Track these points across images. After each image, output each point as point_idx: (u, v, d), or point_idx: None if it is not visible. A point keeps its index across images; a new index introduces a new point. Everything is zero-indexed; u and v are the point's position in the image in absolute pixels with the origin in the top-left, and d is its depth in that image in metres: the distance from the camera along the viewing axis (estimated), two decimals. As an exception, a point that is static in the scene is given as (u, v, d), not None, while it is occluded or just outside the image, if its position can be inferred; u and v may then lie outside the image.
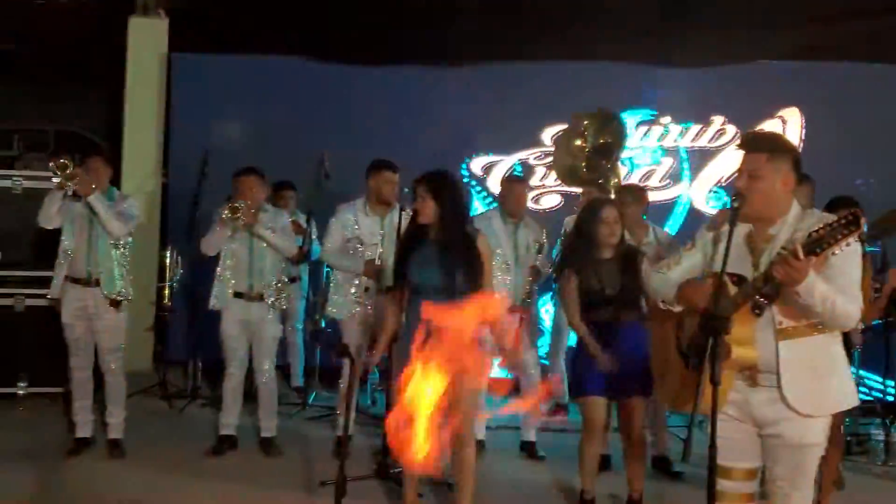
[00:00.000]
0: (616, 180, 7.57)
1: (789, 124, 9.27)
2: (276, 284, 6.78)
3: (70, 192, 6.28)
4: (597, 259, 5.54)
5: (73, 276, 6.50)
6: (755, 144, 3.84)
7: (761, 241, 3.75)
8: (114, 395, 6.68)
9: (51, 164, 6.27)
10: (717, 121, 9.44)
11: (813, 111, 9.25)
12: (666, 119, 9.48)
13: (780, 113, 9.30)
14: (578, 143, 7.78)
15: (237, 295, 6.75)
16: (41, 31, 13.02)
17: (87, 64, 14.10)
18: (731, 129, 9.38)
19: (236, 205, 6.47)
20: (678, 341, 3.95)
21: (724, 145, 9.43)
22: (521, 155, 9.59)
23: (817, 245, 3.35)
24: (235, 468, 6.54)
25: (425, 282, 5.10)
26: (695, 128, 9.49)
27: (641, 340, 5.31)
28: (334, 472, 5.02)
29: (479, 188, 9.55)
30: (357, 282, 6.76)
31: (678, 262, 4.05)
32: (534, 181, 9.47)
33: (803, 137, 9.21)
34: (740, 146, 3.90)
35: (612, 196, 7.26)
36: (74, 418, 6.71)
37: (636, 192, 6.78)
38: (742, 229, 3.79)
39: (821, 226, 3.38)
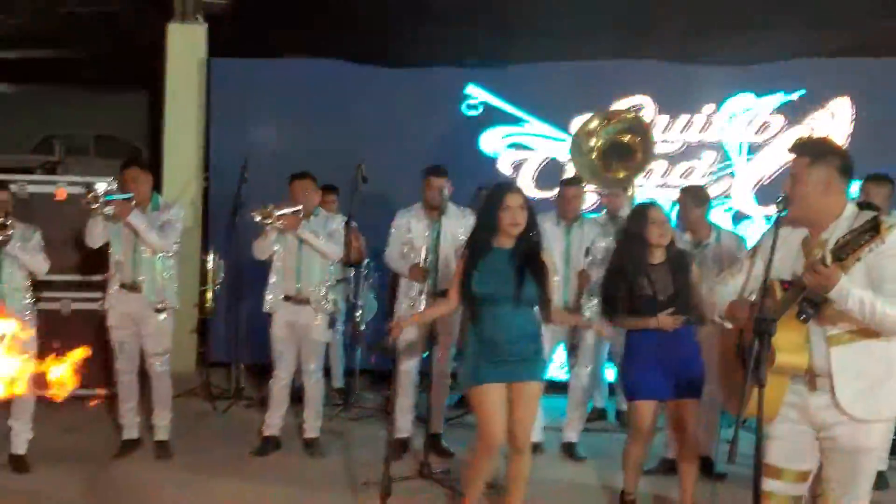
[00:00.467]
0: (638, 177, 7.48)
1: (838, 116, 8.98)
2: (323, 289, 6.83)
3: (109, 215, 6.38)
4: (647, 263, 5.45)
5: (122, 283, 6.61)
6: (800, 149, 3.85)
7: (815, 245, 3.75)
8: (160, 398, 6.78)
9: (86, 199, 6.34)
10: (765, 112, 9.15)
11: (861, 102, 8.94)
12: (709, 108, 9.23)
13: (829, 105, 9.00)
14: (591, 142, 7.71)
15: (286, 298, 6.83)
16: (80, 38, 13.19)
17: (127, 70, 14.32)
18: (779, 121, 9.12)
19: (267, 209, 6.54)
20: (738, 346, 3.96)
21: (770, 138, 9.16)
22: (551, 150, 9.43)
23: (842, 252, 3.37)
24: (280, 468, 6.62)
25: (496, 291, 5.05)
26: (741, 118, 9.20)
27: (693, 345, 5.34)
28: (377, 473, 5.10)
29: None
30: (413, 287, 6.86)
31: (740, 272, 4.07)
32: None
33: (852, 128, 8.93)
34: (790, 150, 3.90)
35: (628, 195, 7.28)
36: (121, 420, 6.82)
37: (696, 193, 6.71)
38: (799, 234, 3.81)
39: (846, 232, 3.40)
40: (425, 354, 6.86)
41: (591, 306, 6.78)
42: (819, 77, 9.01)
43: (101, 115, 16.74)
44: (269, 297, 6.90)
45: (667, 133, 9.19)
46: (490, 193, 5.25)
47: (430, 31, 9.73)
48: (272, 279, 6.91)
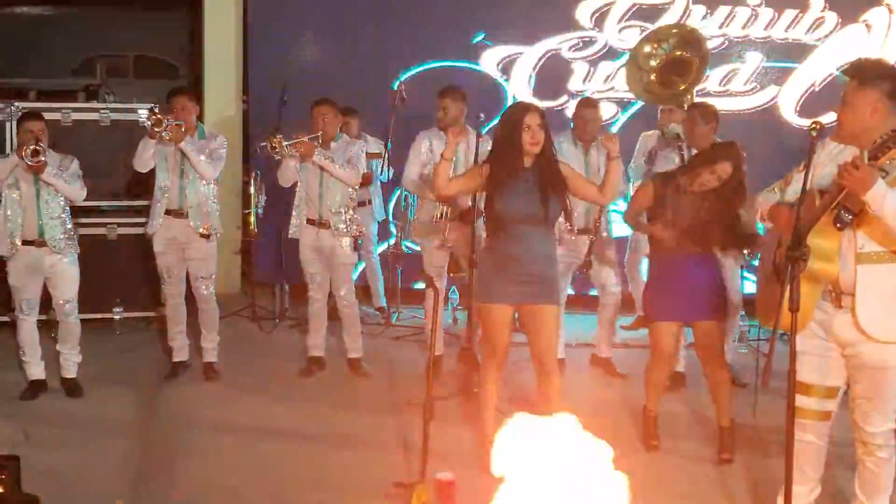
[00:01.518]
0: (690, 97, 7.42)
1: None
2: (345, 213, 6.89)
3: (164, 138, 6.45)
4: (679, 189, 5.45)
5: (167, 208, 6.72)
6: (851, 70, 3.87)
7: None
8: (207, 321, 6.95)
9: (147, 122, 6.44)
10: (816, 6, 8.78)
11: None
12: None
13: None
14: (650, 54, 7.58)
15: (309, 222, 6.92)
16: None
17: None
18: (832, 18, 8.78)
19: (159, 116, 6.44)
20: (775, 256, 4.02)
21: (823, 38, 8.82)
22: (550, 43, 9.13)
23: (878, 151, 3.41)
24: (324, 388, 6.79)
25: (521, 210, 5.11)
26: (789, 13, 8.80)
27: (713, 270, 5.40)
28: (420, 392, 5.21)
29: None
30: (435, 208, 6.88)
31: (789, 183, 4.12)
32: (574, 83, 9.12)
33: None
34: (843, 72, 3.90)
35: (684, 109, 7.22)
36: (171, 343, 7.00)
37: (704, 111, 6.64)
38: (851, 151, 3.82)
39: (885, 133, 3.50)
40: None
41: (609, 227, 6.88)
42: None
43: (141, 35, 16.73)
44: (294, 221, 7.00)
45: (704, 26, 8.57)
46: (508, 113, 5.27)
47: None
48: (296, 204, 6.99)
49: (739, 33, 8.94)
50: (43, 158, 6.08)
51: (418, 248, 7.41)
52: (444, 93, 6.92)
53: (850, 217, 3.67)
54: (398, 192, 8.57)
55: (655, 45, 7.35)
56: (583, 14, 9.02)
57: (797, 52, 8.98)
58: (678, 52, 7.37)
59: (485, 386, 5.43)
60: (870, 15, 8.78)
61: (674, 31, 7.67)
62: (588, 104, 7.14)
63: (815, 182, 3.84)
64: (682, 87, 7.29)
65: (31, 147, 6.04)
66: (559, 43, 9.10)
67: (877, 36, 8.76)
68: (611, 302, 7.17)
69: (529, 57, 9.14)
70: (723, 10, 8.92)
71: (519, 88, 9.09)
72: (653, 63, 7.27)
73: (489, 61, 9.17)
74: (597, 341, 7.32)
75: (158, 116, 6.39)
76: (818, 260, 3.70)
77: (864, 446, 3.95)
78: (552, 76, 9.11)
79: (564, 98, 9.09)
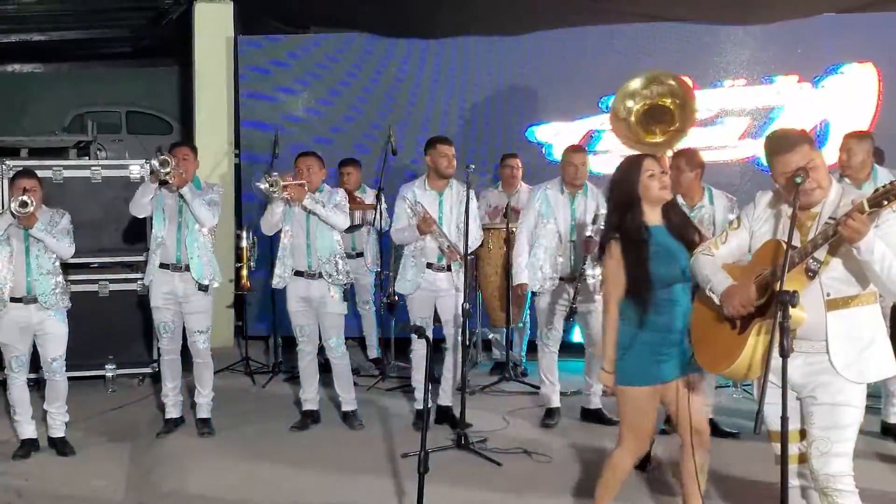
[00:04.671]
0: (677, 144, 7.43)
1: (864, 78, 8.98)
2: (335, 262, 6.89)
3: (166, 182, 6.46)
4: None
5: (163, 262, 6.71)
6: (804, 138, 3.93)
7: (806, 219, 3.86)
8: (201, 375, 6.91)
9: (153, 162, 6.42)
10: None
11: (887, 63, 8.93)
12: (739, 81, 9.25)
13: (850, 68, 9.01)
14: (630, 104, 7.65)
15: (297, 273, 6.91)
16: (110, 17, 13.25)
17: (157, 46, 14.40)
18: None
19: (166, 157, 6.46)
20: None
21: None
22: (588, 122, 9.48)
23: (883, 198, 3.46)
24: (319, 443, 6.74)
25: (671, 273, 4.46)
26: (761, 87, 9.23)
27: None
28: (415, 443, 5.17)
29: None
30: (417, 259, 6.90)
31: (724, 242, 4.16)
32: (602, 146, 9.39)
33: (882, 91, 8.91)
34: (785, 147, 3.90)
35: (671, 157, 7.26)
36: (164, 399, 6.96)
37: (690, 158, 6.65)
38: (786, 210, 3.90)
39: (887, 184, 3.51)
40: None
41: (596, 274, 6.70)
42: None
43: (133, 91, 16.85)
44: (278, 272, 6.97)
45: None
46: (626, 164, 4.66)
47: (456, 1, 9.67)
48: (280, 255, 6.97)
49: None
50: (30, 209, 6.06)
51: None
52: (449, 141, 7.01)
53: (818, 266, 3.76)
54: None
55: (646, 85, 7.46)
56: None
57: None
58: (664, 101, 7.47)
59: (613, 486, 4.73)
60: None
61: (669, 80, 7.77)
62: (576, 150, 7.18)
63: (753, 239, 4.01)
64: (660, 140, 7.35)
65: (20, 198, 6.04)
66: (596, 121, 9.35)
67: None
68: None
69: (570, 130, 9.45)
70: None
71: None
72: (631, 105, 7.38)
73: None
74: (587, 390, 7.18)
75: (165, 157, 6.41)
76: (796, 307, 3.72)
77: (825, 497, 3.90)
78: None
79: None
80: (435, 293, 6.89)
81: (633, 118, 7.45)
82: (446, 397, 7.06)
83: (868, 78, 9.01)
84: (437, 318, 7.02)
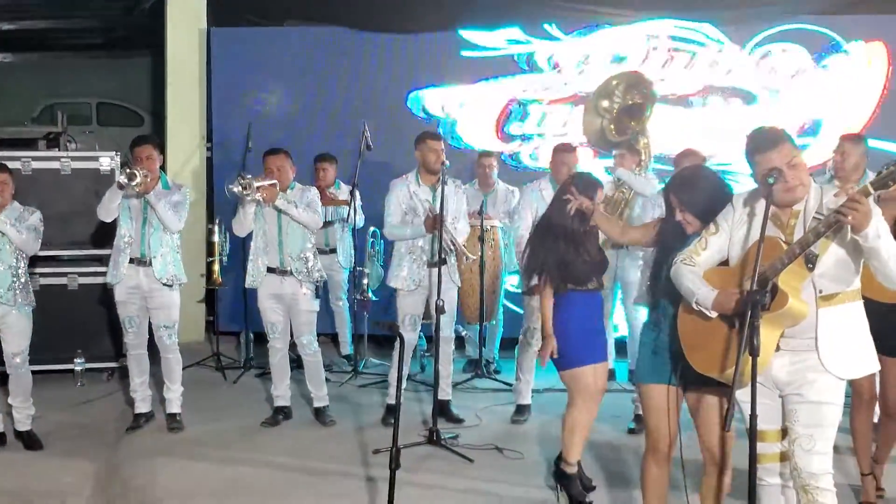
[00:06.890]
0: (645, 140, 7.50)
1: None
2: (306, 259, 6.86)
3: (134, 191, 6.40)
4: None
5: (130, 257, 6.63)
6: (785, 137, 3.90)
7: (789, 217, 3.87)
8: (170, 371, 6.83)
9: (121, 178, 6.31)
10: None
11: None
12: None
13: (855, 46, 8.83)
14: (606, 103, 7.73)
15: (269, 270, 6.87)
16: (81, 7, 13.15)
17: (129, 37, 14.30)
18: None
19: (134, 170, 6.36)
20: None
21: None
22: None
23: (889, 179, 3.49)
24: (290, 439, 6.69)
25: None
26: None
27: None
28: (386, 440, 5.16)
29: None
30: (416, 255, 6.90)
31: (705, 248, 4.11)
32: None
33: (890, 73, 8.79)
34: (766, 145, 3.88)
35: (641, 155, 7.30)
36: (133, 394, 6.89)
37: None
38: (761, 208, 3.86)
39: (890, 165, 3.58)
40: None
41: None
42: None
43: (103, 82, 16.73)
44: (251, 270, 6.94)
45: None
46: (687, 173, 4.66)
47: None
48: (253, 256, 6.93)
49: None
50: None
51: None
52: (439, 136, 7.06)
53: (816, 257, 3.73)
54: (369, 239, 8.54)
55: (611, 100, 7.53)
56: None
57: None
58: (629, 100, 7.55)
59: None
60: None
61: (630, 74, 7.83)
62: (566, 149, 7.19)
63: (734, 247, 3.98)
64: (637, 129, 7.42)
65: None
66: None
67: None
68: None
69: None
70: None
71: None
72: (607, 113, 7.45)
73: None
74: None
75: (134, 171, 6.31)
76: (797, 299, 3.74)
77: (806, 494, 3.92)
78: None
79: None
80: (429, 289, 6.85)
81: (607, 118, 7.52)
82: (446, 391, 7.03)
83: (876, 58, 8.82)
84: (426, 315, 6.99)
